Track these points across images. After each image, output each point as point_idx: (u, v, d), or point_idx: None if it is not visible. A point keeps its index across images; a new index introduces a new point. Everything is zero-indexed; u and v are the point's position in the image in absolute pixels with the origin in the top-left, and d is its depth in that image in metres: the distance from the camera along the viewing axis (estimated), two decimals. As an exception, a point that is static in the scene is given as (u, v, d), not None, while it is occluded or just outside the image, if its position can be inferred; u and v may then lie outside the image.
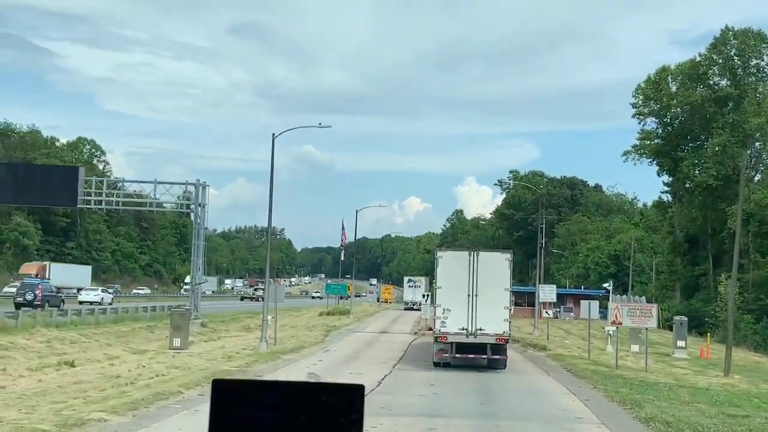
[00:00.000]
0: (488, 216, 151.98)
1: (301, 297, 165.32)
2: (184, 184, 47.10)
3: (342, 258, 70.81)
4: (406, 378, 25.21)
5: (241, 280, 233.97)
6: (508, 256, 29.01)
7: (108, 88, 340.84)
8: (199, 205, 47.11)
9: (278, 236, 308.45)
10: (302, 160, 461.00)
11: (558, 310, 69.76)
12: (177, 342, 32.56)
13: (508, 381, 25.49)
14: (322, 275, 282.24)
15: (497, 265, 28.08)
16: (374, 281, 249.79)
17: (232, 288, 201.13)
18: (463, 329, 27.43)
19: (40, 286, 53.08)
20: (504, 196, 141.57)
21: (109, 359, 28.46)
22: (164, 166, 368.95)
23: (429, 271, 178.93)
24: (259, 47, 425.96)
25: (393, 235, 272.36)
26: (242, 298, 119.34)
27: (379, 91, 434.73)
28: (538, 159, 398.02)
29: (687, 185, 66.74)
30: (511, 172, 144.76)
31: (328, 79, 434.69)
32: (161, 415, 16.34)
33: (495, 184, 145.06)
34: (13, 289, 58.67)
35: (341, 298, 73.19)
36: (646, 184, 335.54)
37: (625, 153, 71.31)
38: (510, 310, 28.47)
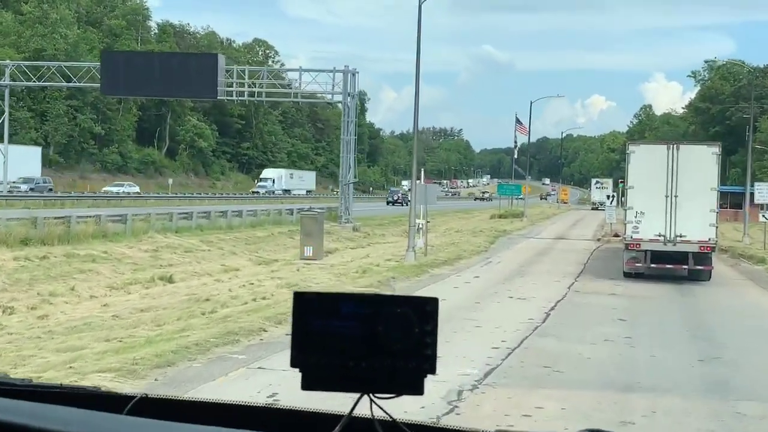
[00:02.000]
0: (680, 111, 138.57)
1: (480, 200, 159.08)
2: (331, 71, 41.22)
3: (515, 156, 63.44)
4: (584, 307, 18.47)
5: (418, 181, 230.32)
6: (716, 149, 24.01)
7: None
8: (348, 95, 41.15)
9: (456, 137, 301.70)
10: (481, 60, 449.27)
11: (765, 212, 59.78)
12: (309, 251, 27.13)
13: (728, 312, 18.24)
14: (487, 176, 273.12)
15: (702, 160, 23.52)
16: (547, 181, 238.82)
17: (409, 189, 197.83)
18: (659, 235, 23.16)
19: (400, 192, 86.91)
20: (698, 88, 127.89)
21: (223, 272, 23.37)
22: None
23: (613, 172, 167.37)
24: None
25: (575, 135, 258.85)
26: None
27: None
28: (734, 52, 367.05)
29: None
30: (706, 61, 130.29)
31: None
32: (200, 377, 10.59)
33: (688, 76, 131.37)
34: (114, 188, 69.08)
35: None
36: None
37: None
38: (717, 213, 23.71)
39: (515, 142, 63.21)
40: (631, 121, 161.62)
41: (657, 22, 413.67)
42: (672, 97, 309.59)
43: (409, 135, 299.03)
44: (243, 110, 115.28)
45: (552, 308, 17.92)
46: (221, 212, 34.96)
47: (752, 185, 42.97)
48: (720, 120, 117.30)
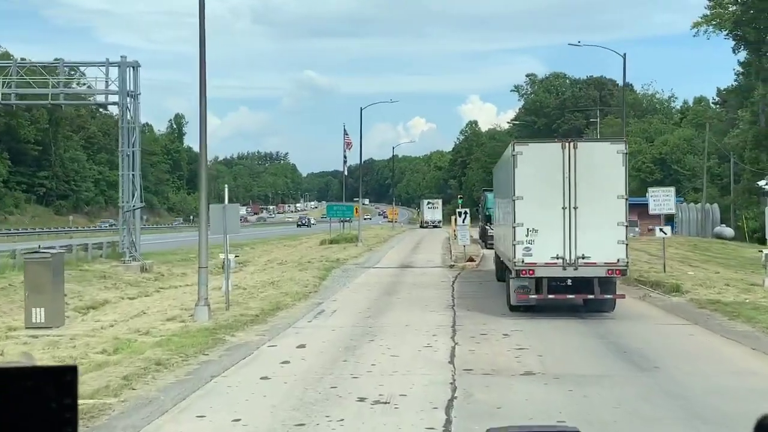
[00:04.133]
0: (506, 126, 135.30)
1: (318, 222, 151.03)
2: (103, 64, 31.07)
3: (345, 173, 55.14)
4: (502, 419, 9.54)
5: (245, 207, 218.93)
6: (621, 146, 18.84)
7: (106, 21, 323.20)
8: (128, 95, 31.05)
9: (282, 161, 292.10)
10: (304, 85, 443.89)
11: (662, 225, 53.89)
12: (39, 315, 17.06)
13: (709, 390, 9.89)
14: (314, 202, 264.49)
15: (605, 161, 18.52)
16: (366, 202, 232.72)
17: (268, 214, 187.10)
18: (557, 258, 18.29)
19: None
20: (522, 103, 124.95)
21: None
22: (166, 97, 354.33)
23: (442, 189, 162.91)
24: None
25: (400, 156, 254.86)
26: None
27: (379, 12, 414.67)
28: (542, 73, 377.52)
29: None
30: (527, 76, 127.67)
31: (328, 2, 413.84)
32: None
33: (512, 90, 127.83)
34: None
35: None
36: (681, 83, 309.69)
37: (696, 25, 54.57)
38: (627, 227, 18.52)
39: (345, 156, 54.87)
40: (457, 138, 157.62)
41: (470, 46, 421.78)
42: (488, 117, 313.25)
43: (233, 161, 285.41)
44: (40, 135, 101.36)
45: (445, 429, 8.96)
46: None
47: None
48: (546, 133, 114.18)
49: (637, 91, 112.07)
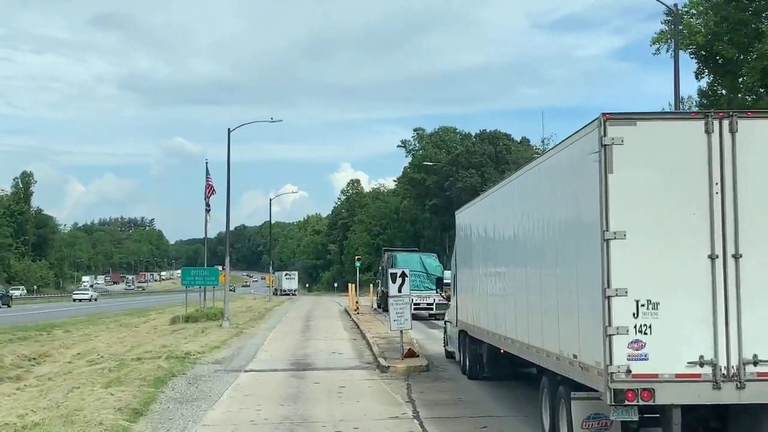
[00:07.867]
0: (392, 185, 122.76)
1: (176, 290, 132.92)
2: None
3: (206, 222, 39.86)
4: None
5: (104, 276, 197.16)
6: None
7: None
8: None
9: (147, 227, 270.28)
10: (174, 153, 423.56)
11: None
12: None
13: None
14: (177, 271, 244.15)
15: None
16: (220, 268, 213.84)
17: (92, 286, 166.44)
18: (701, 363, 7.58)
19: None
20: (410, 158, 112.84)
21: None
22: (30, 162, 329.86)
23: (321, 254, 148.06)
24: (122, 38, 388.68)
25: (273, 222, 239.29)
26: None
27: (249, 80, 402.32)
28: (411, 142, 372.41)
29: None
30: (415, 130, 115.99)
31: (197, 70, 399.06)
32: None
33: (398, 146, 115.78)
34: None
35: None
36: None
37: (655, 41, 43.15)
38: None
39: (207, 204, 39.98)
40: (338, 198, 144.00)
41: (341, 115, 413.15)
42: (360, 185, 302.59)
43: (93, 227, 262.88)
44: None
45: None
46: None
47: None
48: (437, 192, 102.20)
49: (534, 147, 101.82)
